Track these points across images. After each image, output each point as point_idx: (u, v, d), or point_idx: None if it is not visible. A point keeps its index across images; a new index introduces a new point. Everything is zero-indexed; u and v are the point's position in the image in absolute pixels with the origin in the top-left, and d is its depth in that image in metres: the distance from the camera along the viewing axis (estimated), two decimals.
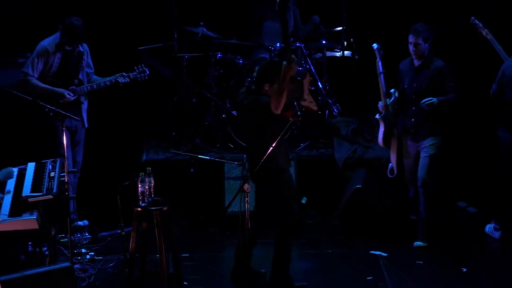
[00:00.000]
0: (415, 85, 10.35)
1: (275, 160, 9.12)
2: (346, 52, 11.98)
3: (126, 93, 12.51)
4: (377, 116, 10.46)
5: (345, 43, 12.05)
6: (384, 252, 10.60)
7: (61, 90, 10.87)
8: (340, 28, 12.14)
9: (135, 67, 11.16)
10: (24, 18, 12.95)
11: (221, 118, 12.04)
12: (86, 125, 11.12)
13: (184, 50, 12.25)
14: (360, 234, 11.09)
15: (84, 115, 11.12)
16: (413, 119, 10.35)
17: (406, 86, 10.46)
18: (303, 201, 10.92)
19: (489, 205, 11.41)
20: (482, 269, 10.15)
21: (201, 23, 12.17)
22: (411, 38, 10.27)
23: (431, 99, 10.04)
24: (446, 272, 9.96)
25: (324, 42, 12.25)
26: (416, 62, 10.34)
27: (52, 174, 9.68)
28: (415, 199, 10.67)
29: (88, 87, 11.05)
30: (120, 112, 12.88)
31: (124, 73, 11.10)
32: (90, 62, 11.22)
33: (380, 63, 10.48)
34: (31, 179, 9.61)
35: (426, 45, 10.27)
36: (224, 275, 10.22)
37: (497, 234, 11.05)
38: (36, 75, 10.84)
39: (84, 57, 11.12)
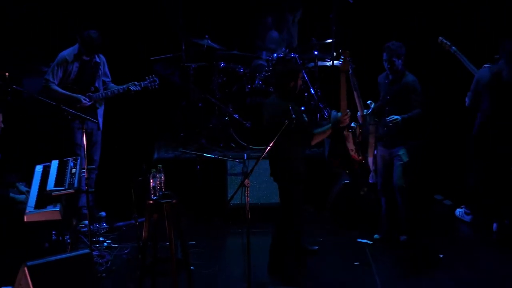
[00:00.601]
0: (388, 97, 10.29)
1: (295, 164, 9.29)
2: (335, 62, 11.97)
3: (140, 98, 12.53)
4: (353, 124, 10.47)
5: (335, 54, 12.04)
6: (370, 240, 10.65)
7: (78, 95, 10.91)
8: (330, 41, 12.12)
9: (146, 77, 11.17)
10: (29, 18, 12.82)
11: (224, 121, 12.03)
12: (101, 128, 11.15)
13: (191, 60, 12.21)
14: (348, 224, 11.08)
15: (100, 119, 11.12)
16: (385, 128, 10.29)
17: (381, 98, 10.41)
18: None
19: (460, 193, 11.47)
20: (457, 255, 10.21)
21: (206, 36, 12.17)
22: (385, 56, 10.21)
23: (396, 118, 10.02)
24: (425, 257, 10.01)
25: (316, 53, 12.24)
26: (390, 76, 10.30)
27: (74, 170, 9.76)
28: (388, 212, 10.60)
29: (103, 94, 11.10)
30: (134, 115, 12.87)
31: (135, 82, 11.13)
32: (107, 71, 11.23)
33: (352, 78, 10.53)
34: (55, 175, 9.69)
35: (400, 61, 10.19)
36: (226, 260, 10.34)
37: (468, 218, 11.17)
38: (56, 82, 10.88)
39: (100, 67, 11.13)
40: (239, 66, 12.23)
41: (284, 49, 12.13)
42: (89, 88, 11.05)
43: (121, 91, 11.15)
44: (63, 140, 11.02)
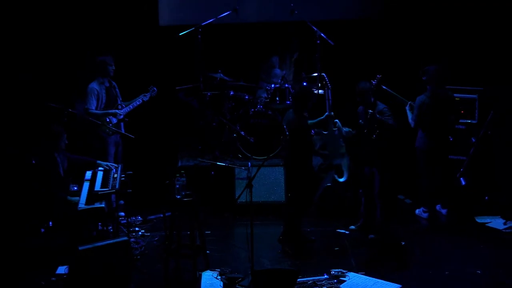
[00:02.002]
0: (366, 124, 10.17)
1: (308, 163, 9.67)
2: (320, 91, 11.92)
3: (167, 119, 12.67)
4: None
5: (319, 84, 11.99)
6: (347, 231, 10.65)
7: (113, 110, 11.01)
8: (316, 74, 12.09)
9: (149, 88, 11.29)
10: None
11: (233, 137, 12.00)
12: (123, 131, 11.09)
13: (207, 89, 12.18)
14: (330, 217, 11.09)
15: (123, 130, 11.12)
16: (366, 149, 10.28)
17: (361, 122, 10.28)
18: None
19: (418, 196, 11.43)
20: (415, 241, 10.20)
21: (219, 71, 12.17)
22: (358, 97, 10.21)
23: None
24: (391, 243, 9.99)
25: (305, 83, 12.21)
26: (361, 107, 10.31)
27: (115, 175, 9.82)
28: (366, 211, 10.52)
29: (129, 108, 11.16)
30: (163, 132, 12.88)
31: (144, 93, 11.23)
32: (119, 94, 11.24)
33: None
34: (101, 178, 9.77)
35: (370, 97, 10.16)
36: (235, 245, 10.32)
37: (425, 215, 11.13)
38: (93, 108, 10.94)
39: (116, 90, 11.21)
40: (245, 94, 12.24)
41: (279, 80, 12.13)
42: (116, 106, 11.11)
43: (139, 103, 11.22)
44: (99, 150, 11.00)
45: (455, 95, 11.08)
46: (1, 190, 10.73)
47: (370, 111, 10.03)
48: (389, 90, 10.89)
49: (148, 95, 11.28)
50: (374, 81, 10.10)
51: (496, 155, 11.25)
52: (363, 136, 10.25)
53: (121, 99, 11.26)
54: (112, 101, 11.14)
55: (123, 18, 12.67)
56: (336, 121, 10.53)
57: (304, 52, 12.55)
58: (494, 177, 11.30)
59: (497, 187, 11.19)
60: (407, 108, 10.93)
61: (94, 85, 11.00)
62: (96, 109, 10.97)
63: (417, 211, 11.26)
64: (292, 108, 9.97)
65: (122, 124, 11.16)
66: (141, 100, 11.24)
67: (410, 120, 10.82)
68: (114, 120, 11.03)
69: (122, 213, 10.90)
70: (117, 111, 11.04)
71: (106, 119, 10.96)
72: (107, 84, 11.10)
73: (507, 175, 11.06)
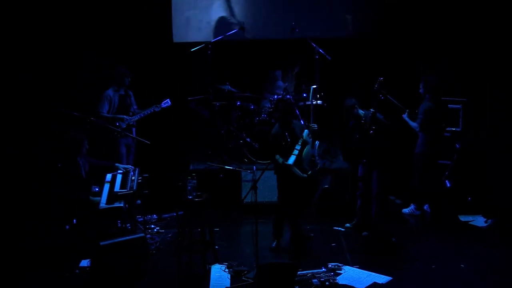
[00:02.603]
0: (361, 132, 10.15)
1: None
2: (318, 101, 11.94)
3: (180, 126, 12.65)
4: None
5: (318, 96, 12.01)
6: (343, 228, 10.64)
7: (122, 116, 11.07)
8: (315, 86, 12.11)
9: (163, 99, 11.31)
10: None
11: (240, 143, 12.01)
12: (134, 135, 11.14)
13: (216, 100, 12.20)
14: (327, 216, 11.08)
15: (134, 134, 11.17)
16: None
17: (357, 136, 10.22)
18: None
19: (408, 195, 11.41)
20: (405, 238, 10.18)
21: (227, 83, 12.18)
22: (345, 113, 10.24)
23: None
24: (383, 240, 9.90)
25: (304, 95, 12.21)
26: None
27: (133, 178, 9.82)
28: (361, 210, 10.49)
29: (139, 115, 11.18)
30: (176, 138, 12.85)
31: (156, 104, 11.24)
32: (134, 101, 11.29)
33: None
34: (120, 180, 9.78)
35: (357, 110, 10.16)
36: (240, 241, 10.37)
37: (418, 213, 11.16)
38: (104, 112, 11.00)
39: (132, 99, 11.25)
40: (250, 104, 12.23)
41: (282, 92, 12.14)
42: (128, 113, 11.14)
43: (150, 112, 11.23)
44: (111, 150, 11.05)
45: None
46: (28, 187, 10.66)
47: (372, 110, 9.98)
48: (390, 98, 10.84)
49: (160, 106, 11.28)
50: (376, 84, 10.03)
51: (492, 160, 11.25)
52: (362, 133, 10.18)
53: (135, 107, 11.28)
54: (125, 108, 11.18)
55: (143, 36, 12.65)
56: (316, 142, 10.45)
57: (304, 66, 12.52)
58: (477, 180, 11.28)
59: (490, 189, 11.16)
60: (404, 116, 10.89)
61: (109, 92, 11.10)
62: (108, 113, 11.02)
63: (407, 210, 11.22)
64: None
65: (133, 129, 11.21)
66: (152, 110, 11.25)
67: (414, 126, 10.78)
68: (123, 125, 11.05)
69: (139, 201, 10.80)
70: (125, 117, 11.07)
71: (116, 123, 10.98)
72: (122, 93, 11.18)
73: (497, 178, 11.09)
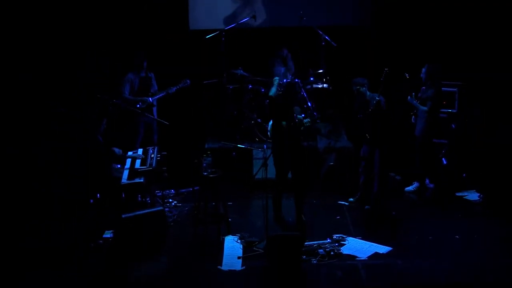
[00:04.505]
0: (365, 113, 10.08)
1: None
2: (324, 85, 11.91)
3: (196, 108, 12.63)
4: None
5: (324, 79, 11.97)
6: (347, 202, 10.65)
7: (143, 98, 11.13)
8: (321, 71, 12.06)
9: (181, 80, 11.37)
10: None
11: (251, 124, 12.02)
12: (156, 117, 11.20)
13: (230, 83, 12.21)
14: (332, 191, 11.08)
15: (155, 114, 11.24)
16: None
17: (361, 116, 10.17)
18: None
19: (409, 173, 11.31)
20: (405, 213, 10.22)
21: (240, 68, 12.18)
22: (354, 87, 10.17)
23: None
24: (384, 213, 10.01)
25: (311, 78, 12.16)
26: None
27: (152, 155, 9.87)
28: (364, 186, 10.42)
29: (160, 95, 11.24)
30: (194, 120, 12.84)
31: (173, 86, 11.31)
32: (155, 83, 11.39)
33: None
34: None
35: (364, 88, 10.14)
36: (252, 214, 10.36)
37: (430, 185, 11.12)
38: (126, 93, 11.08)
39: (152, 81, 11.34)
40: (261, 87, 12.21)
41: (290, 75, 12.10)
42: (148, 93, 11.20)
43: (172, 91, 11.29)
44: (130, 129, 11.12)
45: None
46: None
47: (377, 97, 9.95)
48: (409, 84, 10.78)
49: (178, 86, 11.33)
50: (383, 75, 9.92)
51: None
52: (365, 114, 10.11)
53: (156, 88, 11.35)
54: (146, 89, 11.25)
55: (163, 24, 12.66)
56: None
57: (310, 52, 12.46)
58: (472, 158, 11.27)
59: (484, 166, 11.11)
60: (411, 99, 10.76)
61: (129, 75, 11.21)
62: (129, 95, 11.11)
63: (410, 188, 11.16)
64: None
65: (154, 109, 11.26)
66: (166, 93, 11.31)
67: (423, 110, 10.64)
68: (143, 106, 11.10)
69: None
70: (145, 98, 11.13)
71: (137, 105, 11.04)
72: (143, 75, 11.27)
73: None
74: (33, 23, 11.98)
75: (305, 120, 9.87)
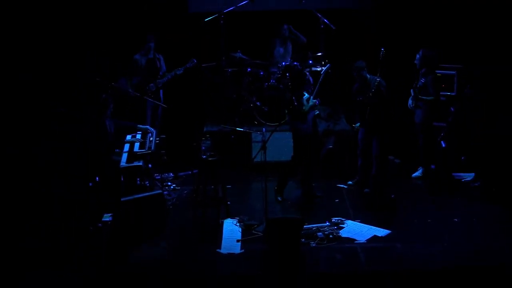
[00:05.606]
0: (366, 95, 9.91)
1: None
2: (323, 68, 11.81)
3: (195, 91, 12.53)
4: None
5: (323, 62, 11.90)
6: (345, 185, 10.58)
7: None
8: (320, 54, 11.99)
9: (189, 60, 11.37)
10: None
11: (250, 107, 11.87)
12: (162, 102, 11.22)
13: (228, 66, 12.11)
14: (331, 174, 10.97)
15: (162, 97, 11.30)
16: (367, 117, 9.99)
17: (361, 98, 9.99)
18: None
19: (412, 157, 11.19)
20: (404, 195, 10.10)
21: (239, 51, 12.04)
22: (354, 72, 10.01)
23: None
24: (383, 196, 9.85)
25: (310, 62, 12.07)
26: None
27: (151, 139, 9.78)
28: (362, 169, 10.31)
29: (166, 78, 11.27)
30: (193, 103, 12.68)
31: (179, 68, 11.31)
32: (163, 64, 11.41)
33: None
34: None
35: (364, 72, 9.98)
36: (251, 198, 10.30)
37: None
38: (134, 80, 11.11)
39: (161, 62, 11.36)
40: (260, 70, 12.07)
41: (289, 59, 11.99)
42: (156, 76, 11.18)
43: (177, 73, 11.32)
44: (139, 112, 11.08)
45: (438, 72, 10.90)
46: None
47: (378, 79, 9.79)
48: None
49: (186, 66, 11.36)
50: (381, 55, 9.79)
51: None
52: (364, 96, 9.96)
53: (165, 69, 11.42)
54: (153, 70, 11.30)
55: (162, 7, 12.57)
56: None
57: (308, 35, 12.33)
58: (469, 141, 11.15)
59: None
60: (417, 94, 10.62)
61: (136, 56, 11.32)
62: (137, 74, 11.18)
63: (417, 173, 10.96)
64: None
65: (161, 91, 11.35)
66: (174, 74, 11.33)
67: (430, 99, 10.46)
68: (153, 88, 11.14)
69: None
70: (152, 84, 11.12)
71: (146, 88, 11.05)
72: (151, 56, 11.31)
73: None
74: (33, 23, 11.86)
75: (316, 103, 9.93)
